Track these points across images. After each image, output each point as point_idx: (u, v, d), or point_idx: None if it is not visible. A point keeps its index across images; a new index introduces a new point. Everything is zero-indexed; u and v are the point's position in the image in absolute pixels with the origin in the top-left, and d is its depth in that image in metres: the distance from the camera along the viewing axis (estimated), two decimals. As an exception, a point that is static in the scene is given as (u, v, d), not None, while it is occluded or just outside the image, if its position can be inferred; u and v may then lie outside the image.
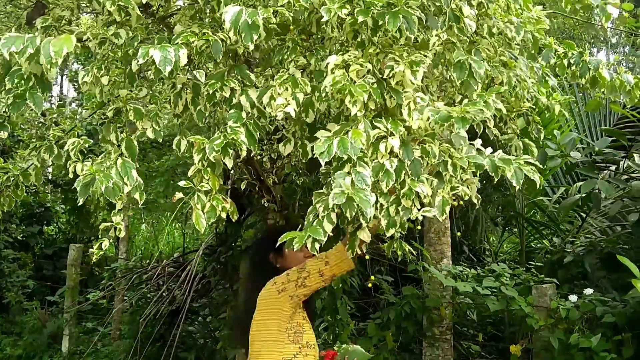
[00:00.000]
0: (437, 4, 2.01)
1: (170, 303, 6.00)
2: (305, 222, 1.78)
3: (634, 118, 3.66)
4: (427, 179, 1.93)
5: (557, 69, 2.76)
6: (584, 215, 5.29)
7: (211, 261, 5.95)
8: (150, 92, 2.19)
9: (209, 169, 2.03)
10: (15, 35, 1.73)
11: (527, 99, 2.63)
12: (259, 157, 4.09)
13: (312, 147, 2.15)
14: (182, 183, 2.02)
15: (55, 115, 2.84)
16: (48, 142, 2.39)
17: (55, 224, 9.05)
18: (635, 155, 3.93)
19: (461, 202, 2.14)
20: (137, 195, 1.87)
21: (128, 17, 1.92)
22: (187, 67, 2.11)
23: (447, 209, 1.98)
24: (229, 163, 1.96)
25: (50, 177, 8.18)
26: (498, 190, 5.56)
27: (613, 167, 4.11)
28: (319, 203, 1.75)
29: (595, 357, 3.55)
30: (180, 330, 5.63)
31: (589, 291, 3.84)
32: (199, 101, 2.13)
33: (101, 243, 2.07)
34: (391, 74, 1.86)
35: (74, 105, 10.79)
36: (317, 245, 1.67)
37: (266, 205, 4.20)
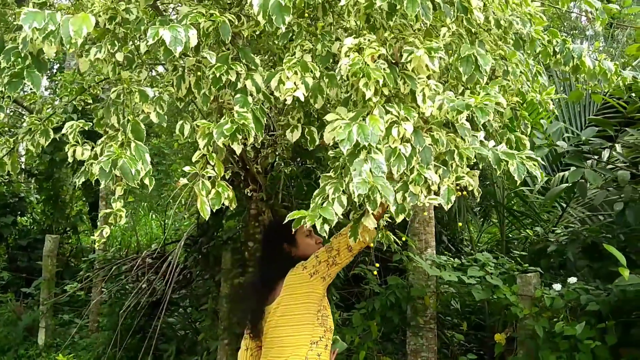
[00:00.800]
0: (449, -8, 2.02)
1: (150, 294, 5.93)
2: (312, 205, 1.77)
3: (619, 107, 3.72)
4: (434, 167, 1.94)
5: (540, 56, 2.81)
6: (564, 205, 5.39)
7: (192, 252, 5.89)
8: (150, 75, 2.13)
9: (214, 154, 2.00)
10: (34, 10, 1.66)
11: (515, 94, 2.67)
12: (242, 145, 4.05)
13: (321, 134, 2.15)
14: (186, 168, 1.98)
15: (33, 102, 2.76)
16: (42, 126, 2.32)
17: (29, 215, 8.85)
18: (617, 145, 4.02)
19: (465, 193, 2.16)
20: (147, 180, 1.83)
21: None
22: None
23: (453, 197, 2.00)
24: (238, 149, 1.94)
25: (24, 167, 7.98)
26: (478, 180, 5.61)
27: (595, 157, 4.17)
28: (328, 185, 1.74)
29: (580, 345, 3.61)
30: (161, 322, 5.57)
31: (572, 280, 3.90)
32: (203, 85, 2.09)
33: (102, 230, 2.03)
34: (409, 59, 1.85)
35: (46, 93, 10.53)
36: (326, 227, 1.65)
37: (250, 195, 4.16)
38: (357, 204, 1.69)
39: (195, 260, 5.84)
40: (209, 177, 1.99)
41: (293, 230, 2.54)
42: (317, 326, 2.39)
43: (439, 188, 1.97)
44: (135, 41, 2.05)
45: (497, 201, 5.49)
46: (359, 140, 1.69)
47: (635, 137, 3.66)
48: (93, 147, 2.09)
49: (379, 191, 1.63)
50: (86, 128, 2.07)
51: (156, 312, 6.08)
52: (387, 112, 1.84)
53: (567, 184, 3.71)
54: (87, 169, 2.07)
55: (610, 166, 3.76)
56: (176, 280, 5.68)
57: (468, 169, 2.08)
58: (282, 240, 2.57)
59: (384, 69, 1.86)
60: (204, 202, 1.98)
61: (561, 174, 4.29)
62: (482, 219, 6.66)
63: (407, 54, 1.86)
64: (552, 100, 2.62)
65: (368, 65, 1.77)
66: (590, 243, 4.23)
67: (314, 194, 1.77)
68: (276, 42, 2.34)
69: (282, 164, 3.74)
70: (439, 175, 1.97)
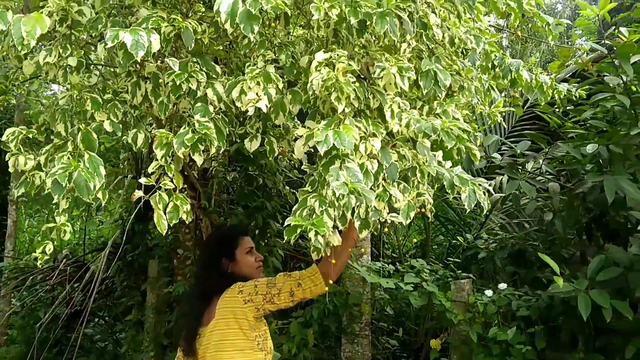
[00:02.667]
0: (409, 9, 2.02)
1: (68, 305, 5.61)
2: (292, 216, 1.72)
3: (553, 122, 3.91)
4: (397, 183, 1.95)
5: (480, 70, 2.89)
6: (487, 212, 5.60)
7: (116, 260, 5.62)
8: (102, 80, 1.99)
9: (172, 165, 1.90)
10: (-19, 9, 1.50)
11: (466, 106, 2.74)
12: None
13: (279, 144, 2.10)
14: (142, 180, 1.87)
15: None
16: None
17: None
18: (531, 160, 4.22)
19: (423, 210, 2.18)
20: (100, 194, 1.69)
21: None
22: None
23: (412, 214, 2.01)
24: (199, 160, 1.84)
25: None
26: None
27: (521, 168, 4.36)
28: (312, 198, 1.69)
29: (511, 350, 3.75)
30: (79, 333, 5.27)
31: (503, 286, 4.05)
32: (160, 92, 1.98)
33: (45, 246, 1.87)
34: (381, 75, 1.83)
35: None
36: (320, 239, 1.61)
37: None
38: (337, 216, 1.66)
39: (119, 269, 5.59)
40: (166, 190, 1.89)
41: (234, 245, 2.48)
42: (256, 351, 2.29)
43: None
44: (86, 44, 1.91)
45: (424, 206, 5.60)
46: (335, 144, 1.66)
47: (562, 150, 3.86)
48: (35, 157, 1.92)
49: (359, 194, 1.60)
50: (30, 136, 1.89)
51: (73, 324, 5.76)
52: (356, 126, 1.82)
53: (501, 194, 3.86)
54: (28, 179, 1.90)
55: (539, 178, 3.94)
56: (98, 290, 5.40)
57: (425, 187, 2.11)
58: (222, 255, 2.47)
59: (354, 83, 1.84)
60: (161, 215, 1.87)
61: (492, 182, 4.45)
62: (409, 225, 6.80)
63: (379, 70, 1.85)
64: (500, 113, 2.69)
65: (339, 81, 1.74)
66: (516, 251, 4.41)
67: (294, 208, 1.71)
68: (237, 50, 2.26)
69: (223, 170, 3.62)
70: (401, 191, 1.98)
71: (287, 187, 4.10)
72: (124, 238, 5.63)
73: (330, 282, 2.35)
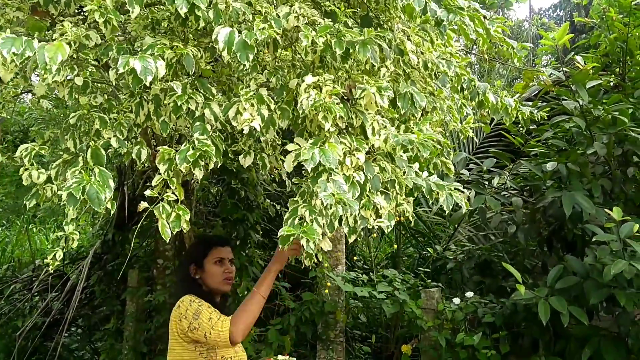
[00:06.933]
0: (388, 37, 2.25)
1: (46, 314, 5.68)
2: (285, 225, 1.90)
3: (516, 142, 4.20)
4: (380, 193, 2.17)
5: (451, 90, 3.13)
6: (456, 225, 5.87)
7: (96, 269, 5.73)
8: (107, 100, 2.17)
9: (174, 179, 2.09)
10: (11, 36, 1.67)
11: (439, 124, 2.97)
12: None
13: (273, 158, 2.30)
14: (147, 192, 2.05)
15: None
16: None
17: None
18: (496, 176, 4.50)
19: (402, 218, 2.40)
20: (109, 205, 1.87)
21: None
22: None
23: (392, 222, 2.23)
24: (199, 174, 2.03)
25: None
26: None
27: (487, 184, 4.63)
28: (302, 208, 1.89)
29: (477, 354, 4.00)
30: (56, 343, 5.35)
31: (470, 294, 4.30)
32: (161, 112, 2.17)
33: (55, 253, 2.03)
34: (362, 95, 2.05)
35: None
36: (312, 245, 1.79)
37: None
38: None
39: (99, 278, 5.69)
40: (168, 202, 2.06)
41: (204, 253, 2.60)
42: None
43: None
44: (91, 67, 2.09)
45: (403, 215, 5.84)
46: (321, 161, 1.86)
47: (525, 167, 4.14)
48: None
49: (345, 204, 1.81)
50: (42, 152, 2.06)
51: (51, 333, 5.82)
52: (341, 142, 2.03)
53: (469, 208, 4.11)
54: (40, 192, 2.07)
55: (504, 193, 4.22)
56: (79, 299, 5.48)
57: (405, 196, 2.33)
58: (190, 261, 2.58)
59: (338, 104, 2.06)
60: (165, 225, 2.04)
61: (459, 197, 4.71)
62: (380, 236, 7.04)
63: (360, 91, 2.07)
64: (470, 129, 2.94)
65: (327, 102, 1.96)
66: (482, 261, 4.68)
67: (286, 217, 1.90)
68: (230, 73, 2.46)
69: (207, 183, 3.80)
70: (384, 200, 2.19)
71: (268, 200, 4.29)
72: (104, 247, 5.74)
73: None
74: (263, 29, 1.94)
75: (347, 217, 2.02)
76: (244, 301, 2.37)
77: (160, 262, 5.13)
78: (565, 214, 3.66)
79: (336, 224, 1.85)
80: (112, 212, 1.92)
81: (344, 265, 4.92)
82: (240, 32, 2.01)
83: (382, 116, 2.42)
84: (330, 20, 2.13)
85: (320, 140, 1.99)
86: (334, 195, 1.81)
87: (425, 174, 2.33)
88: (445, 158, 3.03)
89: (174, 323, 2.38)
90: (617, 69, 4.25)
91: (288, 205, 1.96)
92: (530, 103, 3.98)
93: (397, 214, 2.29)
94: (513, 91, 4.64)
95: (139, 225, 2.54)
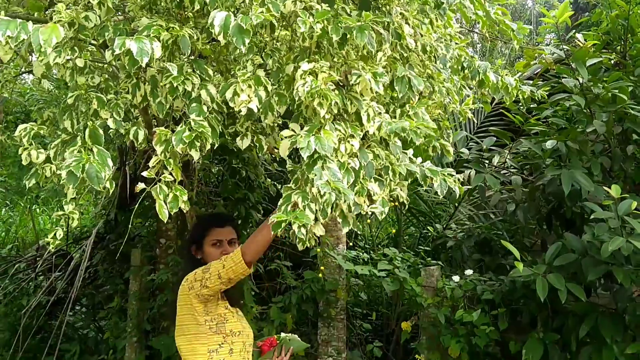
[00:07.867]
0: (386, 21, 2.25)
1: (50, 293, 5.75)
2: (278, 211, 1.93)
3: (517, 120, 4.20)
4: (374, 180, 2.18)
5: (451, 72, 3.13)
6: (457, 204, 5.90)
7: (99, 249, 5.78)
8: (105, 80, 2.18)
9: (171, 160, 2.10)
10: (6, 18, 1.68)
11: (438, 106, 2.98)
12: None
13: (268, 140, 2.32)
14: (145, 173, 2.06)
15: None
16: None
17: None
18: (496, 155, 4.50)
19: (397, 203, 2.41)
20: (108, 184, 1.89)
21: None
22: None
23: (386, 208, 2.24)
24: (196, 155, 2.05)
25: None
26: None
27: (487, 162, 4.64)
28: (295, 195, 1.91)
29: (476, 330, 4.05)
30: (62, 321, 5.42)
31: (469, 272, 4.34)
32: (157, 93, 2.17)
33: (55, 232, 2.06)
34: (357, 81, 2.06)
35: None
36: (303, 230, 1.81)
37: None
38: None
39: (102, 258, 5.75)
40: (166, 182, 2.08)
41: (204, 234, 2.63)
42: (210, 334, 2.38)
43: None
44: (91, 47, 2.10)
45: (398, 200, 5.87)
46: (316, 149, 1.88)
47: (525, 146, 4.14)
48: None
49: (339, 192, 1.82)
50: (41, 132, 2.08)
51: (55, 312, 5.90)
52: (336, 129, 2.04)
53: (469, 187, 4.13)
54: (39, 172, 2.09)
55: (503, 171, 4.23)
56: (83, 278, 5.55)
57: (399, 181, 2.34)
58: (192, 241, 2.62)
59: (333, 90, 2.06)
60: (162, 205, 2.06)
61: (460, 175, 4.72)
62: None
63: (355, 77, 2.08)
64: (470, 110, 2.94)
65: (322, 88, 1.96)
66: (482, 239, 4.71)
67: (280, 203, 1.92)
68: (227, 55, 2.46)
69: (208, 163, 3.82)
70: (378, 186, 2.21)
71: (269, 180, 4.31)
72: (107, 227, 5.79)
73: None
74: (261, 12, 1.94)
75: (339, 204, 2.03)
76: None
77: (163, 241, 5.18)
78: (565, 192, 3.67)
79: (329, 210, 1.86)
80: (112, 191, 1.94)
81: (345, 244, 4.96)
82: (236, 15, 2.01)
83: (377, 102, 2.43)
84: (327, 5, 2.12)
85: (316, 127, 2.00)
86: (329, 183, 1.82)
87: (419, 159, 2.34)
88: (445, 140, 3.04)
89: (184, 296, 2.41)
90: (619, 47, 4.22)
91: (282, 191, 1.98)
92: (531, 82, 3.97)
93: (391, 199, 2.30)
94: (515, 70, 4.61)
95: (137, 205, 2.56)
